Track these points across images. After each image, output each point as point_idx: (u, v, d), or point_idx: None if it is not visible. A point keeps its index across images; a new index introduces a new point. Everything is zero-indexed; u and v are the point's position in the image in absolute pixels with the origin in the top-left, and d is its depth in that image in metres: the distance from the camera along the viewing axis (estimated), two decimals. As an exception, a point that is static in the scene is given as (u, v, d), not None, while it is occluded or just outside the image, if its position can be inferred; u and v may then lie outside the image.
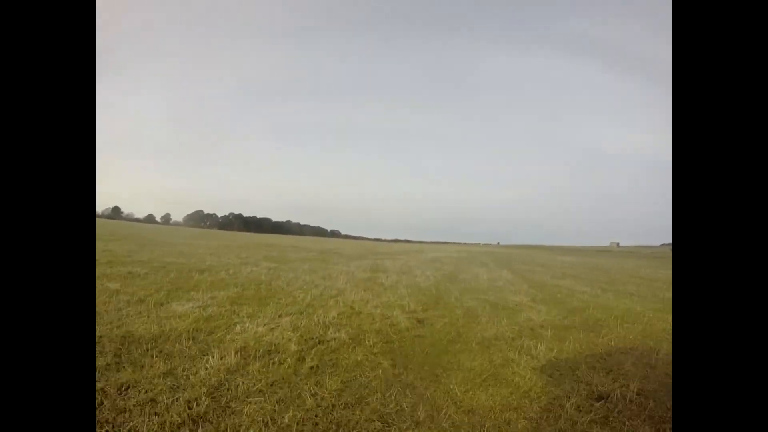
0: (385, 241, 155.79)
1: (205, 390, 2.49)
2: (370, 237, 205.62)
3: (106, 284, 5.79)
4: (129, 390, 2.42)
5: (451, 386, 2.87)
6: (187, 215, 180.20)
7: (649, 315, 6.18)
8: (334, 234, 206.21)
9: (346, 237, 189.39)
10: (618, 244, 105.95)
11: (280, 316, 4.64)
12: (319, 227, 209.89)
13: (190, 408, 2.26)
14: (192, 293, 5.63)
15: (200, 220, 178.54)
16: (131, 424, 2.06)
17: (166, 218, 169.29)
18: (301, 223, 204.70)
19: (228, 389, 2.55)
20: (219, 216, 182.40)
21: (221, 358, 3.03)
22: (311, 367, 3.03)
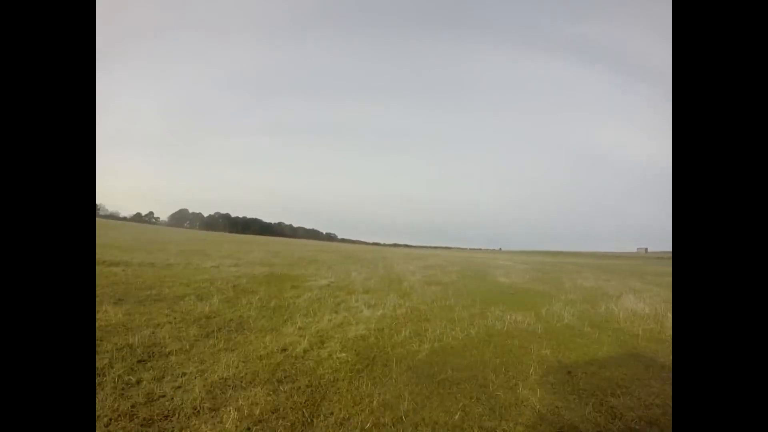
0: (385, 245, 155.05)
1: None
2: (368, 241, 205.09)
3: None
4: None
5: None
6: (171, 214, 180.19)
7: None
8: (330, 237, 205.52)
9: (343, 241, 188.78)
10: (647, 249, 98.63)
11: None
12: (314, 230, 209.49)
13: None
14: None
15: (184, 219, 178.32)
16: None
17: (150, 217, 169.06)
18: (294, 225, 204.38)
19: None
20: (205, 215, 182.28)
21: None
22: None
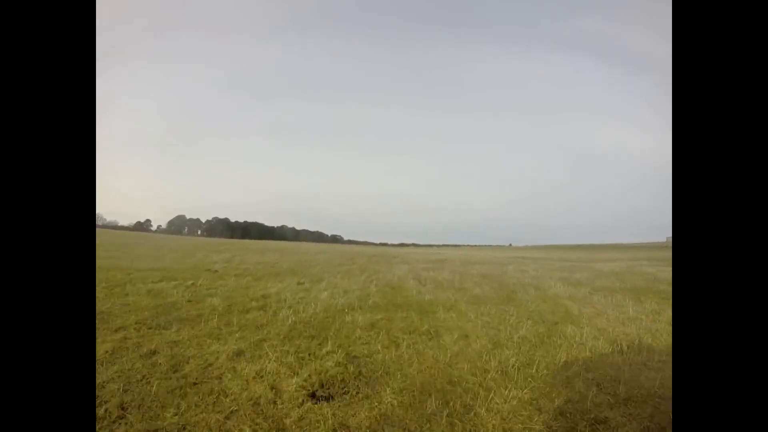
0: (393, 245, 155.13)
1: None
2: (375, 241, 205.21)
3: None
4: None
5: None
6: (169, 221, 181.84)
7: None
8: (336, 239, 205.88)
9: (349, 242, 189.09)
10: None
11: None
12: (318, 232, 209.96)
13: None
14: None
15: (182, 225, 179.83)
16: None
17: (147, 225, 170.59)
18: (297, 227, 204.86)
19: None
20: (203, 220, 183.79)
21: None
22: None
